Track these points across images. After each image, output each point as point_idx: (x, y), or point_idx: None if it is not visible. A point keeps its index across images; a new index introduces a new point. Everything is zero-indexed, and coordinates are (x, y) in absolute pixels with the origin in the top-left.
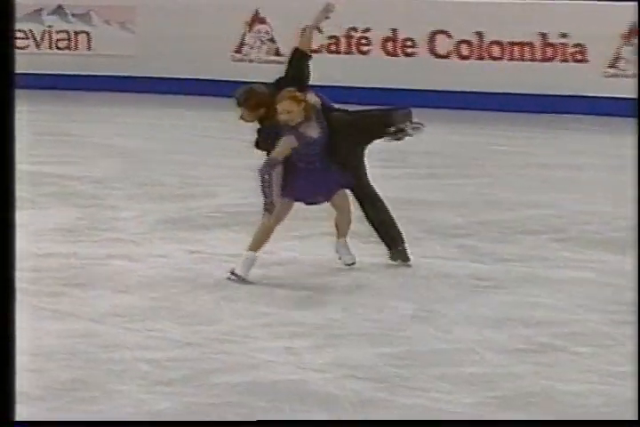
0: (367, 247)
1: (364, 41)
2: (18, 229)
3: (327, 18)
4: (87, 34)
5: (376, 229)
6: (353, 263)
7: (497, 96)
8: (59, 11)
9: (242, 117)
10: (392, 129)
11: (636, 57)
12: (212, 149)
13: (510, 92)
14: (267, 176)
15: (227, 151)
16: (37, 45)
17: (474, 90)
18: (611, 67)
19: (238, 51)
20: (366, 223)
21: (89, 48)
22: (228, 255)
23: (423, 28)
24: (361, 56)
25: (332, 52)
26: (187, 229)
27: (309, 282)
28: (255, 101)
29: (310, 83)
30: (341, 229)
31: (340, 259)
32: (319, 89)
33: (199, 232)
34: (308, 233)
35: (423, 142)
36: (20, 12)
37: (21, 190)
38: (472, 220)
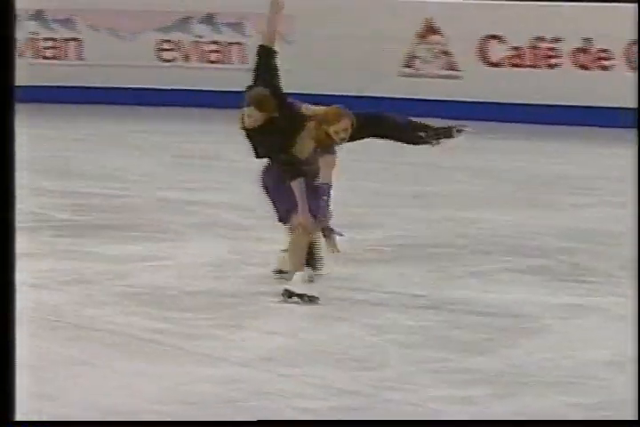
0: (556, 286)
1: (552, 53)
2: (163, 263)
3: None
4: (240, 45)
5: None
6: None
7: None
8: (209, 21)
9: (247, 118)
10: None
11: (637, 57)
12: (376, 174)
13: None
14: (323, 203)
15: (394, 176)
16: (186, 58)
17: None
18: None
19: (408, 65)
20: (566, 261)
21: (242, 61)
22: (393, 293)
23: (620, 37)
24: (549, 70)
25: (514, 65)
26: (347, 264)
27: (484, 324)
28: (271, 105)
29: (490, 99)
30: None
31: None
32: (505, 107)
33: (361, 267)
34: (485, 269)
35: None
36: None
37: (168, 221)
38: None
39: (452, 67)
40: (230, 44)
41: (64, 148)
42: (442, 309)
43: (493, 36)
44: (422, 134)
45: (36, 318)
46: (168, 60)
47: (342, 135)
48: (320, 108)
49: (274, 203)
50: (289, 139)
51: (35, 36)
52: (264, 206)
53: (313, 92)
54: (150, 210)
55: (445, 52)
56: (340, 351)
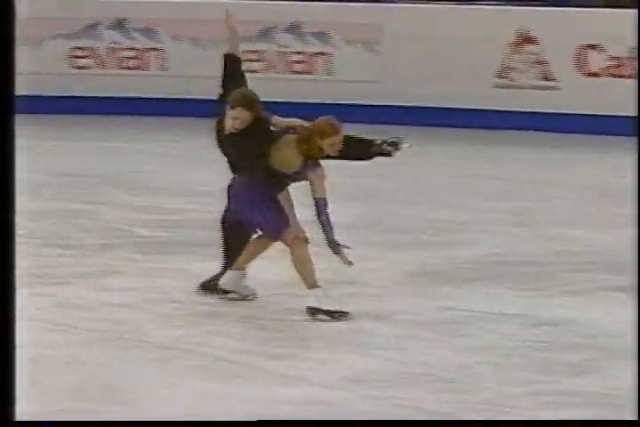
0: None
1: None
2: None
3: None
4: (326, 55)
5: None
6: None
7: None
8: (294, 30)
9: (231, 121)
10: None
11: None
12: (467, 190)
13: None
14: (324, 217)
15: (487, 192)
16: (269, 68)
17: None
18: None
19: (502, 75)
20: None
21: (329, 72)
22: (488, 313)
23: None
24: None
25: (615, 75)
26: (440, 283)
27: (582, 345)
28: (258, 104)
29: (588, 111)
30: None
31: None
32: (605, 119)
33: (454, 286)
34: (582, 288)
35: None
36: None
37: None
38: None
39: (547, 77)
40: (315, 54)
41: (145, 161)
42: (538, 329)
43: (592, 46)
44: (366, 149)
45: (118, 338)
46: (253, 71)
47: (337, 147)
48: (295, 121)
49: (249, 220)
50: (266, 149)
51: (115, 46)
52: (354, 224)
53: (401, 104)
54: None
55: (541, 62)
56: (430, 373)
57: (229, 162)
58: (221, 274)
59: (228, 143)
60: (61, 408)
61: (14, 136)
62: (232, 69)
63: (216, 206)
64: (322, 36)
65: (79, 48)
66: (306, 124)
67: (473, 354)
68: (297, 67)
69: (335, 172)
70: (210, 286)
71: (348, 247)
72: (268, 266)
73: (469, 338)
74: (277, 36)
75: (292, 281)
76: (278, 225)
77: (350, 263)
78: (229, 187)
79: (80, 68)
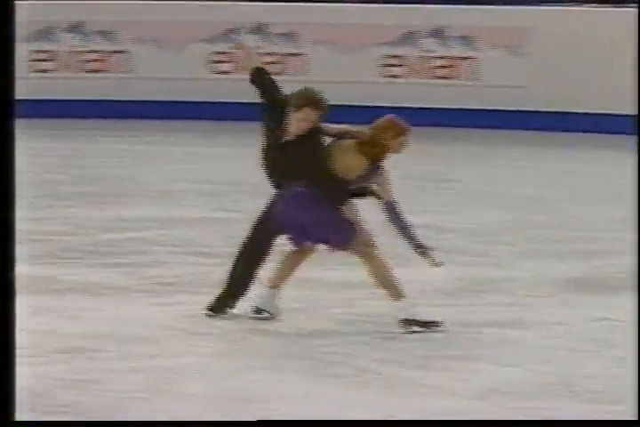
0: None
1: None
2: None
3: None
4: (472, 60)
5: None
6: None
7: None
8: (438, 33)
9: (299, 123)
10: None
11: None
12: (620, 198)
13: None
14: (402, 219)
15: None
16: (413, 75)
17: None
18: None
19: None
20: None
21: (473, 77)
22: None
23: None
24: None
25: None
26: (592, 292)
27: None
28: (325, 104)
29: None
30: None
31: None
32: None
33: (608, 295)
34: None
35: None
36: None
37: (392, 245)
38: None
39: None
40: (459, 58)
41: None
42: None
43: None
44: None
45: (257, 348)
46: (393, 76)
47: (405, 145)
48: (345, 127)
49: (311, 233)
50: (325, 155)
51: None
52: (497, 231)
53: (549, 110)
54: (380, 235)
55: None
56: (578, 384)
57: (280, 172)
58: (235, 293)
59: (282, 152)
60: (201, 417)
61: (14, 135)
62: (266, 81)
63: None
64: (466, 40)
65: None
66: (356, 128)
67: (622, 365)
68: (439, 72)
69: (477, 178)
70: (220, 308)
71: (432, 249)
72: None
73: (619, 348)
74: (421, 40)
75: (445, 290)
76: (347, 234)
77: (440, 264)
78: (276, 200)
79: None
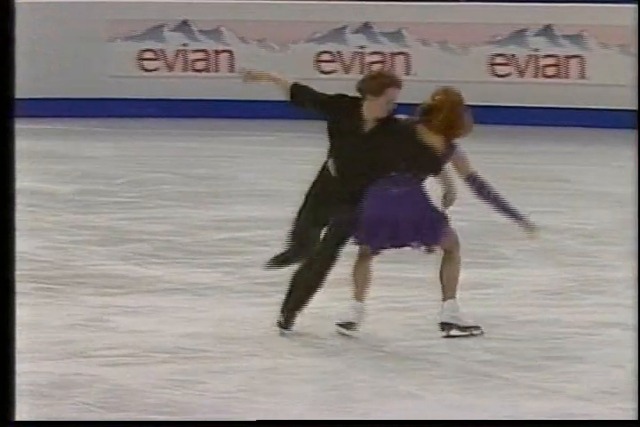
0: None
1: None
2: (494, 291)
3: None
4: (580, 58)
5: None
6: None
7: None
8: (547, 32)
9: (387, 104)
10: None
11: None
12: None
13: None
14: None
15: None
16: (522, 74)
17: None
18: None
19: None
20: None
21: (582, 76)
22: None
23: None
24: None
25: None
26: None
27: None
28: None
29: None
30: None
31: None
32: None
33: None
34: None
35: None
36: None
37: (500, 247)
38: None
39: None
40: (568, 57)
41: None
42: None
43: None
44: None
45: (354, 348)
46: (502, 76)
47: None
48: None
49: (397, 235)
50: (411, 143)
51: (363, 50)
52: (607, 231)
53: None
54: (480, 234)
55: None
56: None
57: (370, 164)
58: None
59: (368, 142)
60: (301, 419)
61: (14, 135)
62: (308, 90)
63: (461, 215)
64: (575, 38)
65: None
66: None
67: None
68: (548, 70)
69: (586, 178)
70: (280, 261)
71: (526, 216)
72: None
73: None
74: (529, 39)
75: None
76: (439, 228)
77: (535, 228)
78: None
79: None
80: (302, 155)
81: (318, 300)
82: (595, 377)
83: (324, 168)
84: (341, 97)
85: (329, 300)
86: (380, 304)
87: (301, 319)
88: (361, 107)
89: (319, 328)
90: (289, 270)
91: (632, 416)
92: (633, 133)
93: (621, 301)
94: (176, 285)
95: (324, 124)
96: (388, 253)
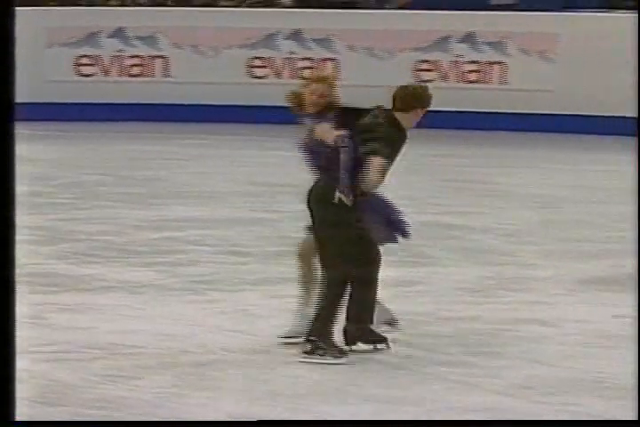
0: None
1: None
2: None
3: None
4: (501, 64)
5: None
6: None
7: None
8: (469, 39)
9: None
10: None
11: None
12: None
13: None
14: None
15: None
16: (445, 79)
17: None
18: None
19: None
20: None
21: (502, 81)
22: None
23: None
24: None
25: None
26: (612, 290)
27: None
28: None
29: None
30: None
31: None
32: None
33: (627, 293)
34: None
35: None
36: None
37: (424, 246)
38: None
39: None
40: (490, 63)
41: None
42: None
43: None
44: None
45: (286, 345)
46: (426, 81)
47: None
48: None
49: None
50: None
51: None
52: (529, 231)
53: (574, 113)
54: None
55: None
56: (603, 380)
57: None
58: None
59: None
60: (232, 413)
61: (14, 135)
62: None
63: None
64: (497, 45)
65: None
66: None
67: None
68: (471, 76)
69: (506, 180)
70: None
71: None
72: None
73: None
74: (452, 46)
75: (473, 289)
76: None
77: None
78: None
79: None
80: (237, 157)
81: (253, 298)
82: (514, 372)
83: None
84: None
85: (261, 298)
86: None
87: (231, 316)
88: None
89: (251, 325)
90: (221, 267)
91: (563, 411)
92: (556, 136)
93: (540, 298)
94: (112, 283)
95: (256, 128)
96: None
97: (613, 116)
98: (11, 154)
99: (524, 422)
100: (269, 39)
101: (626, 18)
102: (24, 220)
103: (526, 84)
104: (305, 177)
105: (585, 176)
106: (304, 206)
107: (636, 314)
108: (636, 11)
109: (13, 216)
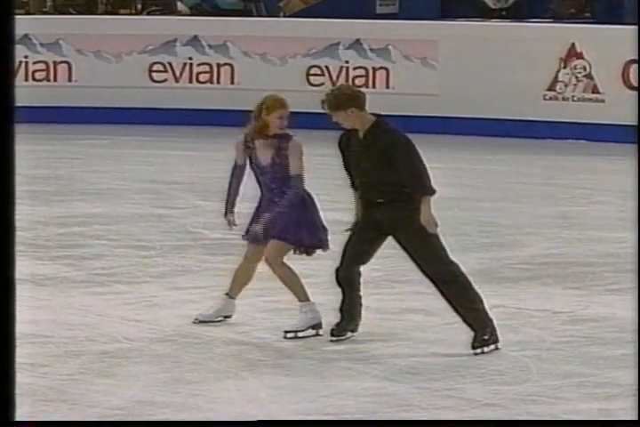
0: None
1: None
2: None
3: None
4: (386, 70)
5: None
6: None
7: None
8: (356, 46)
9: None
10: None
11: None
12: (518, 195)
13: None
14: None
15: (539, 198)
16: (333, 82)
17: None
18: None
19: (551, 88)
20: None
21: (387, 86)
22: (536, 310)
23: None
24: None
25: None
26: (491, 282)
27: (626, 339)
28: None
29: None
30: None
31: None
32: None
33: (505, 285)
34: (624, 287)
35: None
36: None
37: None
38: None
39: (594, 90)
40: (375, 69)
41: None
42: (582, 324)
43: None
44: None
45: (187, 333)
46: (316, 85)
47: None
48: None
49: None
50: None
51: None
52: None
53: (457, 115)
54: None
55: (588, 76)
56: (481, 366)
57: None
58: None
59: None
60: (135, 399)
61: (14, 135)
62: None
63: None
64: (382, 51)
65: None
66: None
67: (521, 349)
68: (358, 80)
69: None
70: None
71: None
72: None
73: (516, 333)
74: (340, 51)
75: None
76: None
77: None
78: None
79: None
80: (136, 157)
81: (155, 290)
82: (399, 359)
83: None
84: None
85: (162, 289)
86: (210, 293)
87: (133, 307)
88: None
89: (154, 315)
90: (124, 261)
91: (495, 398)
92: (445, 138)
93: (423, 289)
94: (18, 275)
95: (152, 128)
96: None
97: (489, 119)
98: (11, 155)
99: (524, 422)
100: (168, 45)
101: (498, 26)
102: None
103: (409, 89)
104: (202, 175)
105: (461, 173)
106: (202, 203)
107: (636, 314)
108: (505, 19)
109: (13, 216)
